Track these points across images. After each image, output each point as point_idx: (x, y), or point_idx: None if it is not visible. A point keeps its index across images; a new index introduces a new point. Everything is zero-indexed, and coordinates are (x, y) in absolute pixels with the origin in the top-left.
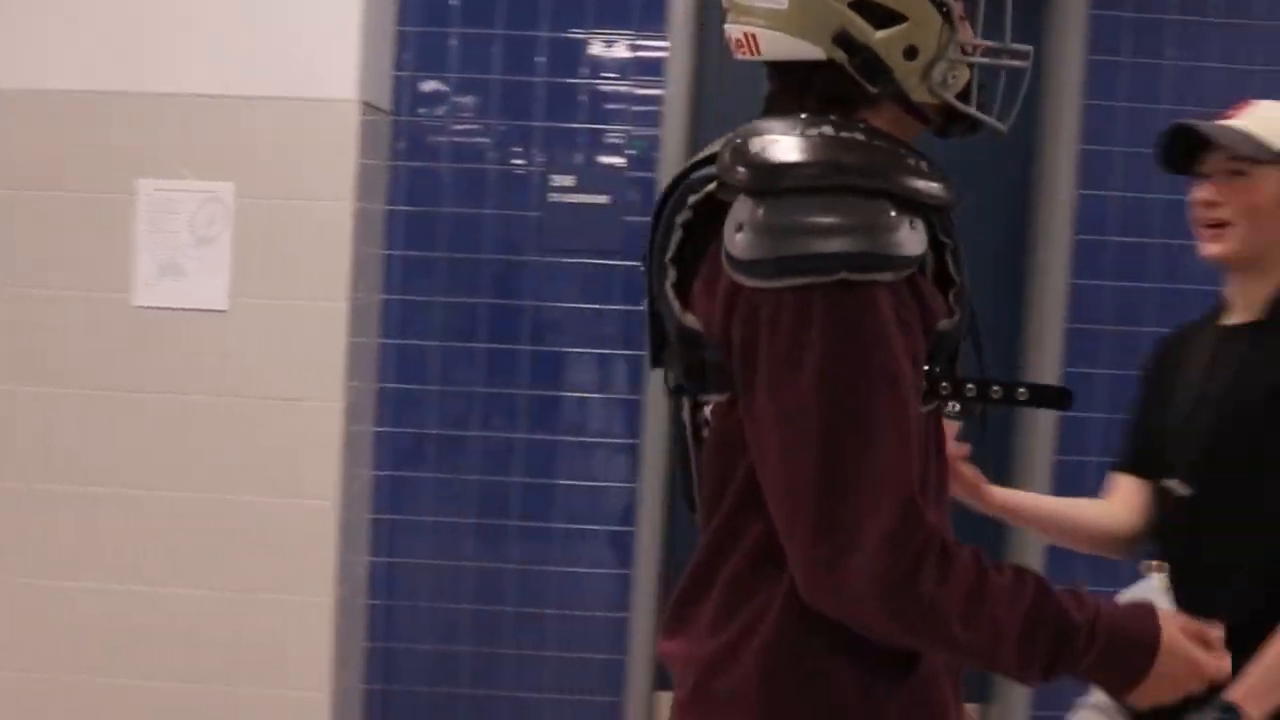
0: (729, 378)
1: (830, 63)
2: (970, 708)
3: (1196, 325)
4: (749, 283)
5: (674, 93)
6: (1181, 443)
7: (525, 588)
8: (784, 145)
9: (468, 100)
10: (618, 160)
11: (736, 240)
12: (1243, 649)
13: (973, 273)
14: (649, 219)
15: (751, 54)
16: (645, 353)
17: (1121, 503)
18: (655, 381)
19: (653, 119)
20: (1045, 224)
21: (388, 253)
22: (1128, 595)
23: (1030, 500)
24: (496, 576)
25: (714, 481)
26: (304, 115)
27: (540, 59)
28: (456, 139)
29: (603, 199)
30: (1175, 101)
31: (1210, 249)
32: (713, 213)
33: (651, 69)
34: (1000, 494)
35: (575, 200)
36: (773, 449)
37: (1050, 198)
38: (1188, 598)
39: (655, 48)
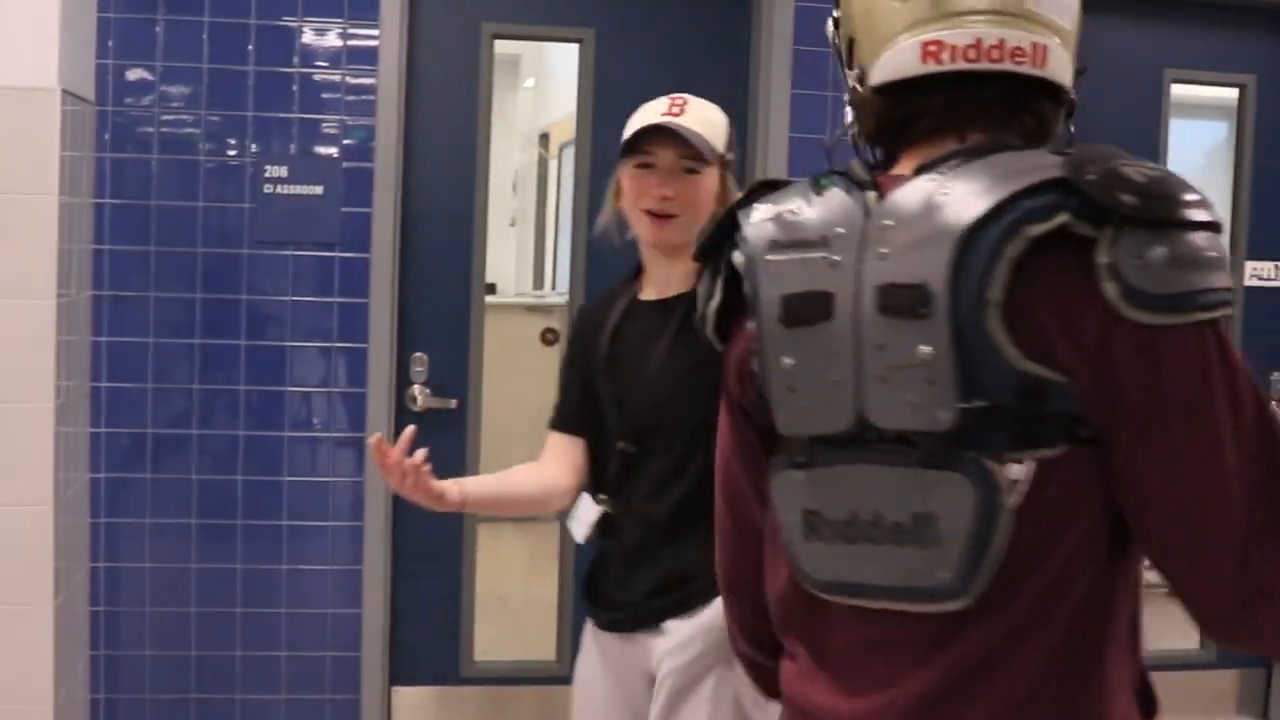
0: (1067, 428)
1: (1064, 94)
2: None
3: (611, 297)
4: (1147, 319)
5: (387, 82)
6: (630, 407)
7: (254, 587)
8: (1158, 174)
9: (176, 89)
10: (332, 150)
11: (1135, 273)
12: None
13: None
14: (366, 210)
15: (1033, 65)
16: (365, 346)
17: (558, 462)
18: (378, 374)
19: (367, 108)
20: None
21: (97, 247)
22: (580, 505)
23: (479, 485)
24: (224, 577)
25: (1026, 544)
26: (1, 105)
27: (250, 47)
28: (166, 129)
29: (318, 190)
30: None
31: (659, 235)
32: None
33: (364, 58)
34: (455, 491)
35: (290, 191)
36: (1192, 488)
37: None
38: (643, 534)
39: (367, 36)
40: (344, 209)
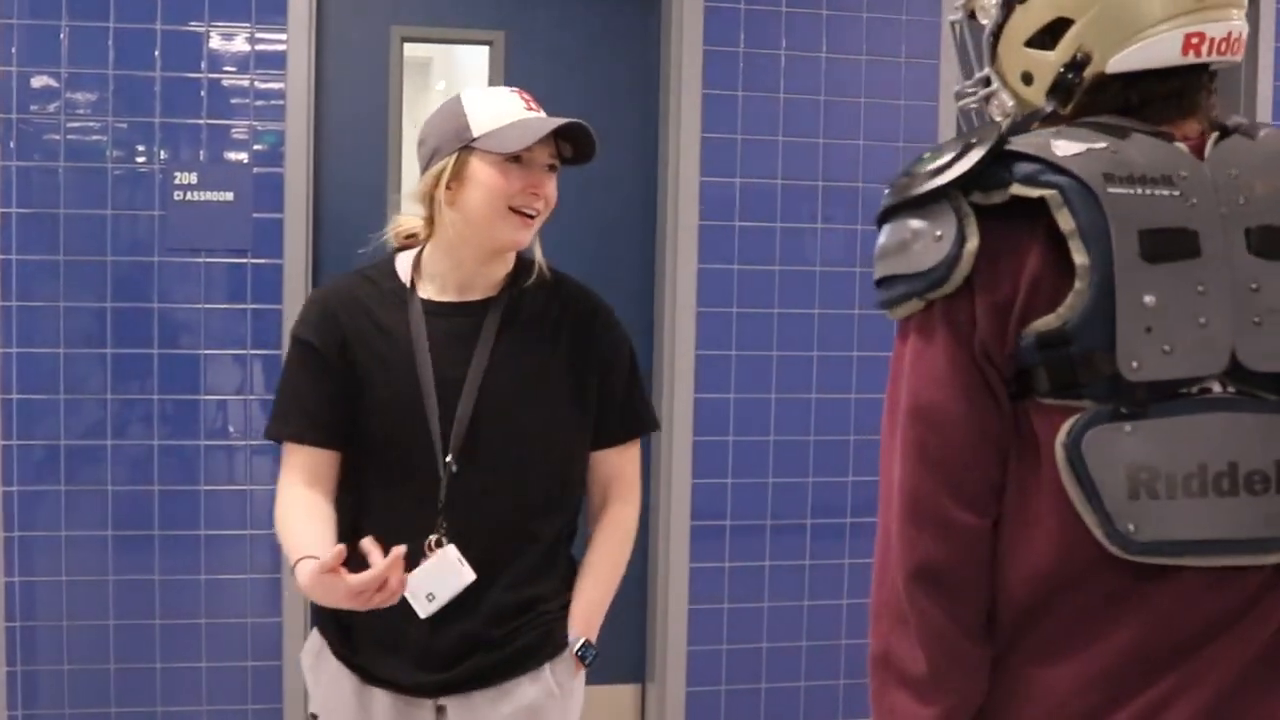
0: None
1: None
2: (628, 688)
3: (360, 290)
4: None
5: (296, 86)
6: (444, 420)
7: (173, 599)
8: None
9: (82, 96)
10: (243, 156)
11: None
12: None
13: (609, 260)
14: (278, 215)
15: (1237, 55)
16: (279, 353)
17: (322, 485)
18: None
19: (277, 113)
20: (674, 211)
21: (5, 257)
22: (426, 571)
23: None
24: (142, 589)
25: None
26: None
27: (157, 53)
28: (72, 137)
29: (228, 196)
30: (790, 90)
31: (524, 235)
32: None
33: (273, 62)
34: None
35: (200, 198)
36: None
37: (677, 186)
38: (479, 557)
39: (275, 40)
40: (255, 215)
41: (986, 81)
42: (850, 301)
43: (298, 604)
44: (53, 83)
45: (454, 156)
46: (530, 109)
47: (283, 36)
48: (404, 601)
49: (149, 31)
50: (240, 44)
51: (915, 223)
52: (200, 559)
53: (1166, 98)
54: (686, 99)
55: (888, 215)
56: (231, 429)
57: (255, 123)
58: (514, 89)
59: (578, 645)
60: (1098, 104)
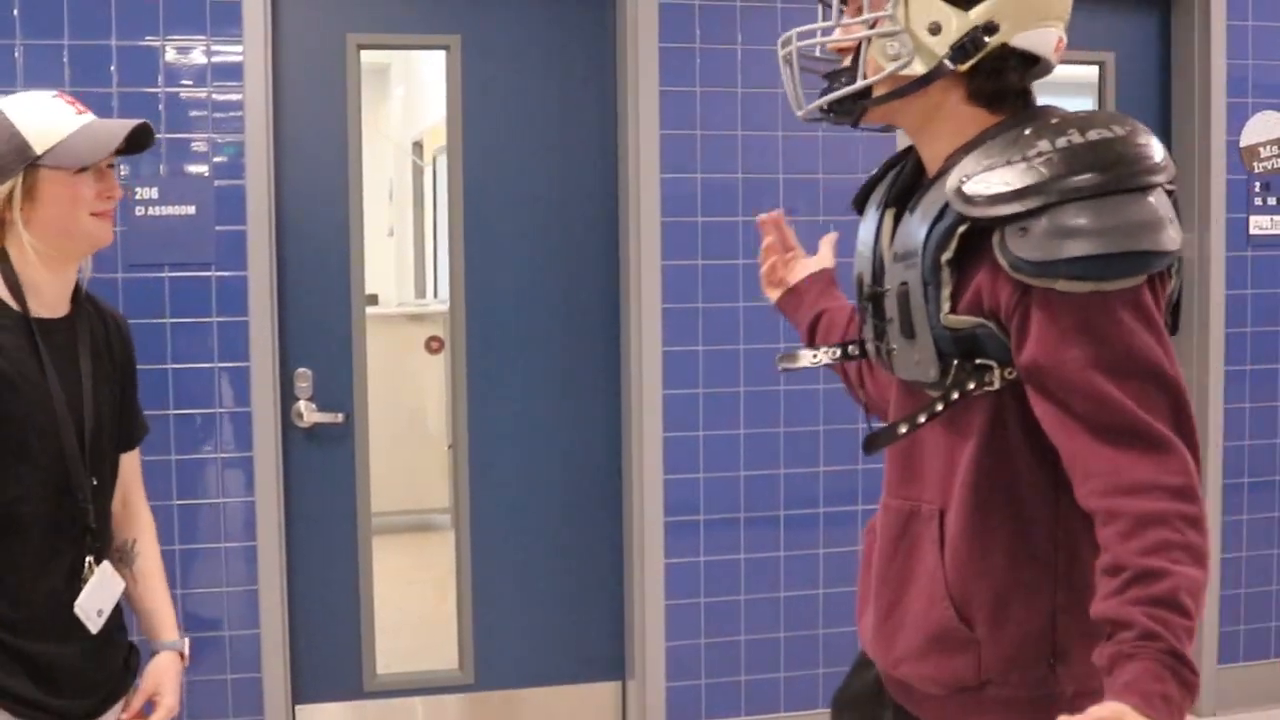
0: None
1: None
2: (609, 686)
3: None
4: None
5: (254, 97)
6: (79, 439)
7: None
8: None
9: None
10: (203, 169)
11: None
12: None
13: (573, 259)
14: (240, 227)
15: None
16: (247, 364)
17: None
18: (262, 392)
19: (236, 125)
20: (636, 209)
21: None
22: (91, 591)
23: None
24: (118, 604)
25: None
26: None
27: (113, 68)
28: None
29: (190, 210)
30: (748, 84)
31: (109, 233)
32: None
33: (230, 74)
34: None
35: (162, 213)
36: None
37: (638, 183)
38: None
39: (231, 52)
40: (218, 227)
41: (873, 24)
42: None
43: (275, 615)
44: None
45: (20, 177)
46: (80, 113)
47: (239, 48)
48: (66, 623)
49: (104, 47)
50: (196, 57)
51: (1162, 206)
52: (175, 573)
53: (1024, 93)
54: (644, 97)
55: (1121, 189)
56: (201, 442)
57: (214, 135)
58: (54, 93)
59: (185, 647)
60: (993, 71)
